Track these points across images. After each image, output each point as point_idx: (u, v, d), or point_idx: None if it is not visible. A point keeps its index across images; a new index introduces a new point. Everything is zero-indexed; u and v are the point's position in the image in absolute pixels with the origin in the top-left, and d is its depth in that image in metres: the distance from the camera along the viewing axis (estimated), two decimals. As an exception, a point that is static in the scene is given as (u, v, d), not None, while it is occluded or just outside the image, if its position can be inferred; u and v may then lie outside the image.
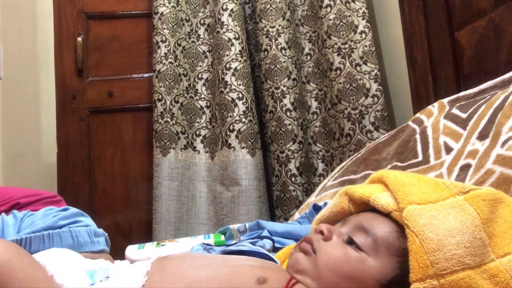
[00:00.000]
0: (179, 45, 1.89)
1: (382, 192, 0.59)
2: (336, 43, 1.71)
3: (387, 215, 0.57)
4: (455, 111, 0.96)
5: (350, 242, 0.57)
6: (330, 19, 1.72)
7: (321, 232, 0.59)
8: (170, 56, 1.84)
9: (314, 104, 1.86)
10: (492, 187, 0.67)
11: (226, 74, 1.80)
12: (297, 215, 1.11)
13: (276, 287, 0.55)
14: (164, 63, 1.83)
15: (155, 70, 1.85)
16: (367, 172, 1.05)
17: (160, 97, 1.82)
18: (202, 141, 1.87)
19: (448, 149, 0.86)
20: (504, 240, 0.51)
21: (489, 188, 0.58)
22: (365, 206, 0.61)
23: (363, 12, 1.72)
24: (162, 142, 1.80)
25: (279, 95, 1.79)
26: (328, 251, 0.56)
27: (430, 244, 0.49)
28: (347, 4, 1.72)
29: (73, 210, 0.68)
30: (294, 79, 1.81)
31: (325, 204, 0.98)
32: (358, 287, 0.54)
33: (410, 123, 1.09)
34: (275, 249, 0.82)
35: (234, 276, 0.56)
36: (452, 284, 0.48)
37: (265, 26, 1.83)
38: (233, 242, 0.93)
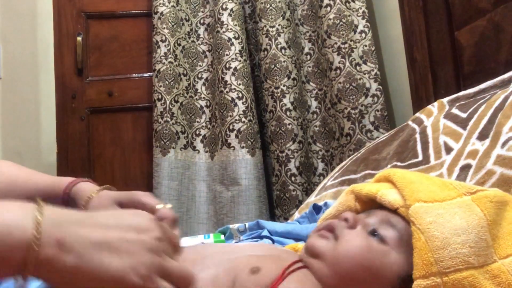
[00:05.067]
0: (179, 44, 1.88)
1: (389, 189, 0.59)
2: (336, 43, 1.71)
3: (394, 211, 0.57)
4: (455, 110, 0.96)
5: (374, 233, 0.56)
6: (330, 19, 1.72)
7: (346, 220, 0.57)
8: (170, 56, 1.84)
9: (314, 103, 1.86)
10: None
11: (226, 73, 1.80)
12: (297, 215, 1.11)
13: (268, 276, 0.54)
14: (164, 63, 1.83)
15: (155, 70, 1.84)
16: (367, 171, 1.05)
17: (160, 96, 1.82)
18: (202, 141, 1.87)
19: (448, 149, 0.86)
20: (507, 242, 0.51)
21: (496, 190, 0.58)
22: (371, 204, 0.61)
23: (363, 12, 1.72)
24: (162, 142, 1.80)
25: (279, 94, 1.79)
26: (351, 239, 0.55)
27: (435, 242, 0.49)
28: (347, 4, 1.72)
29: None
30: (294, 79, 1.81)
31: (325, 204, 0.98)
32: (374, 278, 0.53)
33: (410, 122, 1.09)
34: (275, 249, 0.82)
35: (231, 269, 0.57)
36: (455, 283, 0.48)
37: (265, 26, 1.83)
38: (233, 241, 0.93)
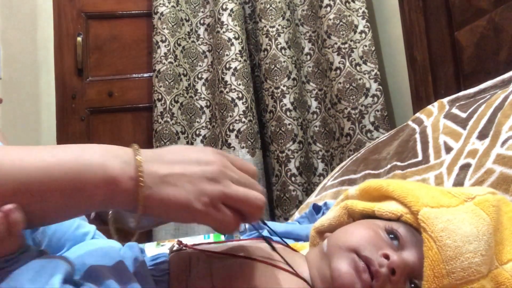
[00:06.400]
0: (179, 45, 1.89)
1: (385, 202, 0.56)
2: (336, 43, 1.71)
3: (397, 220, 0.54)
4: (455, 110, 0.96)
5: None
6: (330, 19, 1.72)
7: (392, 271, 0.48)
8: (170, 56, 1.84)
9: (314, 104, 1.86)
10: (492, 187, 0.67)
11: (226, 74, 1.80)
12: (297, 215, 1.11)
13: None
14: (164, 63, 1.83)
15: (155, 70, 1.85)
16: (367, 171, 1.05)
17: (160, 97, 1.82)
18: (202, 141, 1.87)
19: (448, 149, 0.86)
20: (506, 247, 0.50)
21: (488, 189, 0.57)
22: (366, 217, 0.59)
23: (363, 12, 1.72)
24: (162, 142, 1.80)
25: (279, 95, 1.79)
26: None
27: (448, 252, 0.46)
28: (347, 4, 1.72)
29: None
30: (294, 79, 1.81)
31: (325, 204, 0.98)
32: None
33: (410, 122, 1.09)
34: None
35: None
36: None
37: (265, 26, 1.83)
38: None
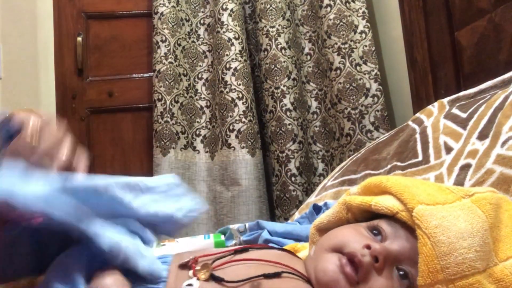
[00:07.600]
0: (179, 45, 1.88)
1: (382, 196, 0.57)
2: (336, 43, 1.71)
3: (391, 217, 0.55)
4: (455, 111, 0.96)
5: (404, 277, 0.51)
6: (330, 19, 1.72)
7: (376, 258, 0.50)
8: (170, 56, 1.84)
9: (314, 104, 1.86)
10: (492, 187, 0.67)
11: (226, 74, 1.80)
12: (297, 215, 1.11)
13: None
14: (164, 63, 1.83)
15: (155, 70, 1.85)
16: (367, 172, 1.05)
17: (160, 97, 1.82)
18: (202, 141, 1.87)
19: (448, 149, 0.86)
20: (506, 245, 0.50)
21: (491, 189, 0.57)
22: (364, 214, 0.59)
23: (363, 12, 1.72)
24: (162, 142, 1.80)
25: (279, 95, 1.79)
26: None
27: (442, 248, 0.47)
28: (347, 4, 1.72)
29: None
30: (294, 79, 1.81)
31: (325, 204, 0.98)
32: None
33: (410, 123, 1.09)
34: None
35: None
36: None
37: (265, 26, 1.83)
38: (233, 242, 0.93)
